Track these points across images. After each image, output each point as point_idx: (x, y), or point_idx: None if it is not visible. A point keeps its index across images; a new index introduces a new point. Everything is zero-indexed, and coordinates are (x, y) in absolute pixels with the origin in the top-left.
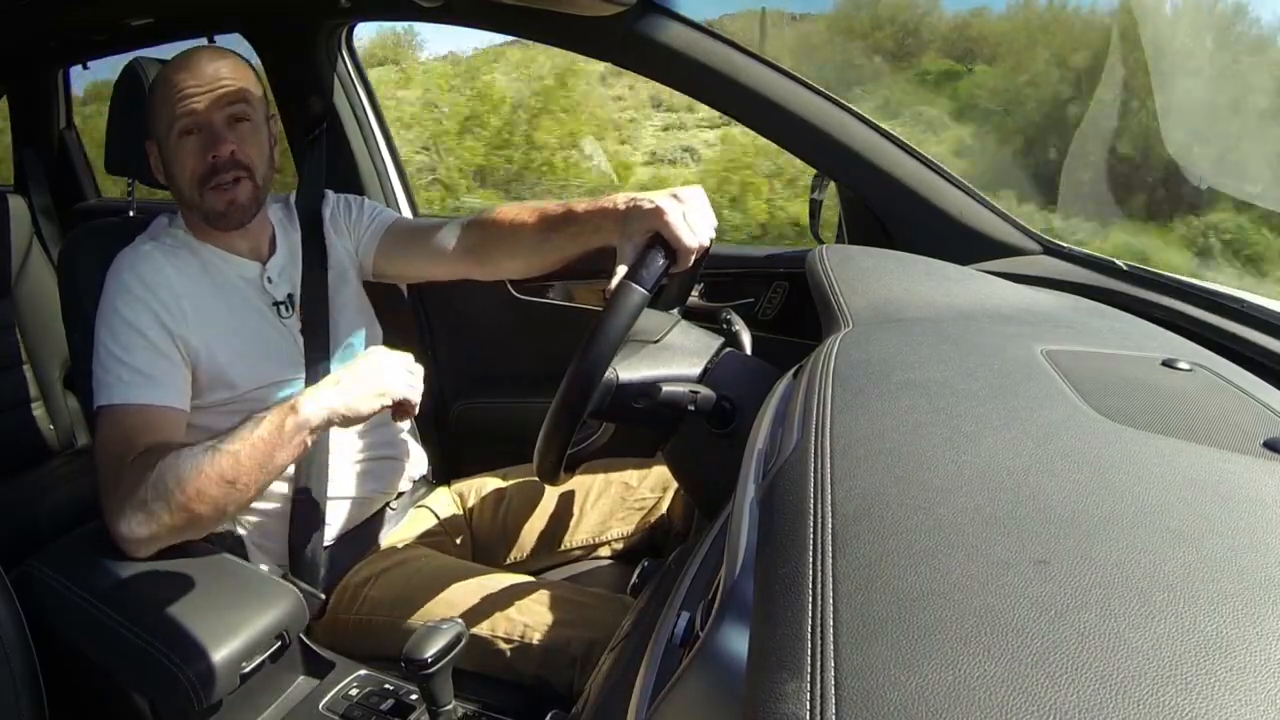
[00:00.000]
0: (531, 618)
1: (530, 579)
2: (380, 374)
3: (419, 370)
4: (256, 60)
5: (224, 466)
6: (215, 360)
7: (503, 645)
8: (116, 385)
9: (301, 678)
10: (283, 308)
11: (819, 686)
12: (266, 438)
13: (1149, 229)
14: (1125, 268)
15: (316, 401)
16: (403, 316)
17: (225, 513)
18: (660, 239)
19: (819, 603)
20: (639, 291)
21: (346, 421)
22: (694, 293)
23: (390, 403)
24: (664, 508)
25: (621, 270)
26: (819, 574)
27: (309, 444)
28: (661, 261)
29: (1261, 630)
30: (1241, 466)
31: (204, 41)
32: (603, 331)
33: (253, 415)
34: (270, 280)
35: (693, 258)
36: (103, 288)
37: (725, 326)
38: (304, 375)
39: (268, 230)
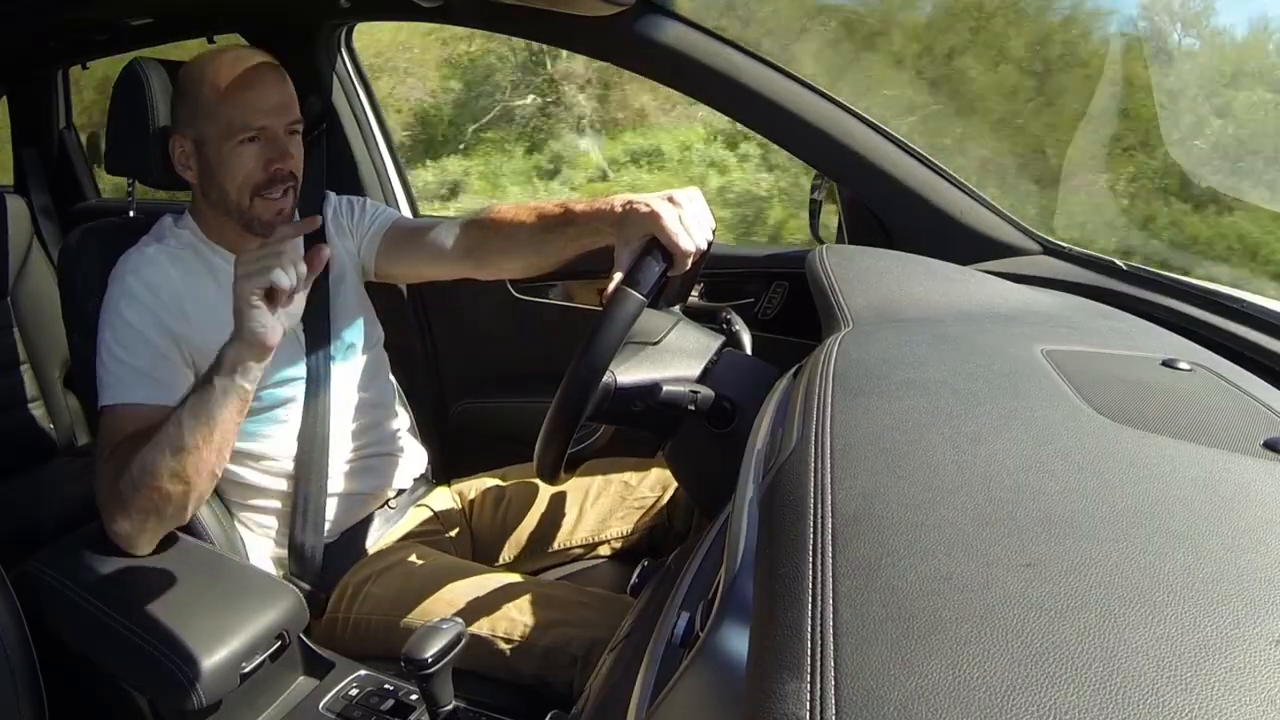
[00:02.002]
0: (531, 617)
1: (530, 578)
2: (234, 294)
3: (273, 252)
4: None
5: (171, 435)
6: None
7: (503, 645)
8: (118, 386)
9: (301, 677)
10: None
11: (819, 686)
12: (203, 395)
13: None
14: (1125, 268)
15: (230, 345)
16: (403, 316)
17: (191, 483)
18: (656, 243)
19: (819, 603)
20: (635, 298)
21: (260, 351)
22: (694, 292)
23: (259, 302)
24: (664, 508)
25: (618, 276)
26: (819, 574)
27: (247, 389)
28: (658, 267)
29: (1261, 630)
30: (1241, 466)
31: (205, 42)
32: (599, 337)
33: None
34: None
35: (689, 261)
36: (106, 289)
37: (725, 326)
38: (305, 375)
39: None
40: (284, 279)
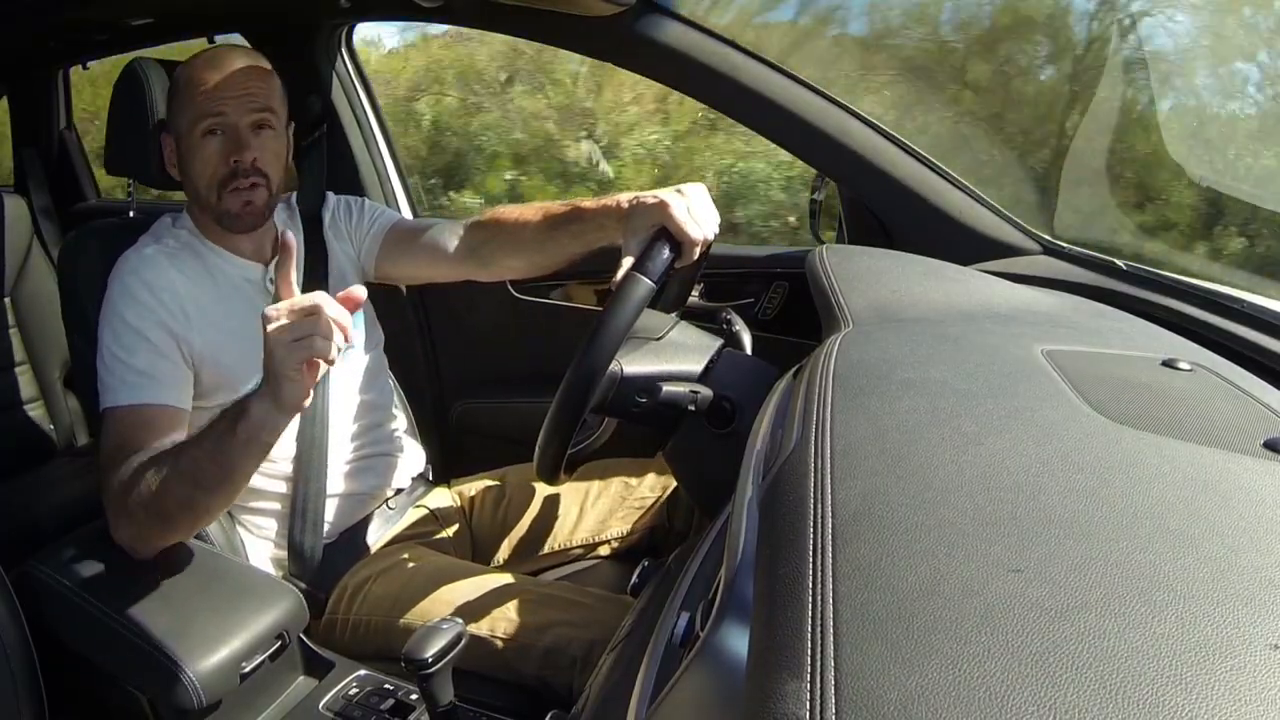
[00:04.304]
0: (531, 618)
1: (530, 579)
2: (271, 359)
3: (309, 313)
4: None
5: (187, 468)
6: (218, 362)
7: (502, 645)
8: (120, 387)
9: (301, 677)
10: None
11: (819, 686)
12: (225, 441)
13: None
14: (1125, 268)
15: (261, 404)
16: (403, 317)
17: (199, 513)
18: (666, 232)
19: (819, 602)
20: (645, 283)
21: (294, 408)
22: (694, 293)
23: (298, 375)
24: (664, 508)
25: (627, 263)
26: (819, 573)
27: (270, 443)
28: (667, 254)
29: (1261, 631)
30: (1241, 466)
31: (204, 42)
32: (608, 323)
33: (223, 413)
34: (273, 282)
35: (697, 251)
36: (106, 290)
37: (725, 326)
38: None
39: (271, 232)
40: (331, 352)
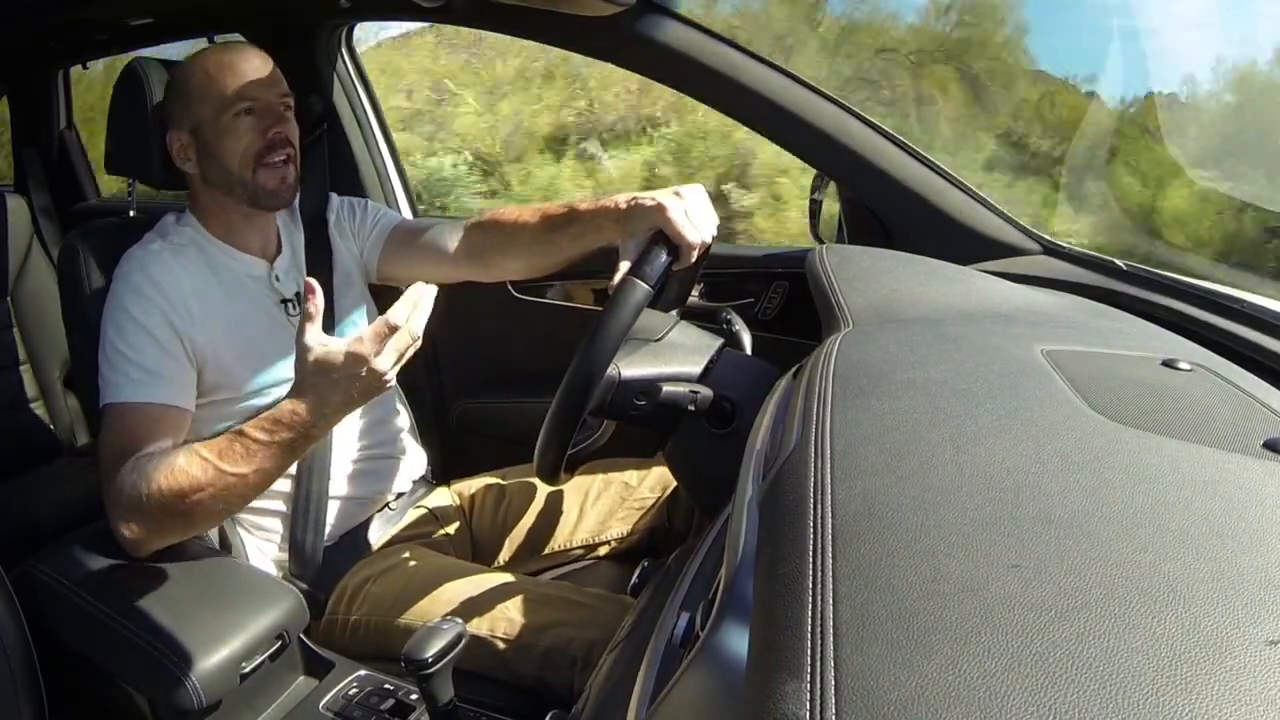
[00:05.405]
0: (531, 618)
1: (530, 579)
2: (364, 383)
3: (388, 348)
4: None
5: (221, 480)
6: (222, 360)
7: (502, 645)
8: (124, 383)
9: (301, 677)
10: (289, 305)
11: (819, 686)
12: (277, 463)
13: None
14: (1125, 268)
15: (328, 422)
16: None
17: (220, 517)
18: (663, 235)
19: (819, 602)
20: (642, 287)
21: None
22: (694, 293)
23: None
24: (664, 508)
25: (624, 266)
26: (819, 574)
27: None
28: (664, 257)
29: (1261, 631)
30: (1241, 466)
31: (205, 42)
32: (606, 327)
33: (249, 437)
34: (278, 278)
35: (695, 254)
36: (110, 286)
37: (725, 326)
38: None
39: (274, 229)
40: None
